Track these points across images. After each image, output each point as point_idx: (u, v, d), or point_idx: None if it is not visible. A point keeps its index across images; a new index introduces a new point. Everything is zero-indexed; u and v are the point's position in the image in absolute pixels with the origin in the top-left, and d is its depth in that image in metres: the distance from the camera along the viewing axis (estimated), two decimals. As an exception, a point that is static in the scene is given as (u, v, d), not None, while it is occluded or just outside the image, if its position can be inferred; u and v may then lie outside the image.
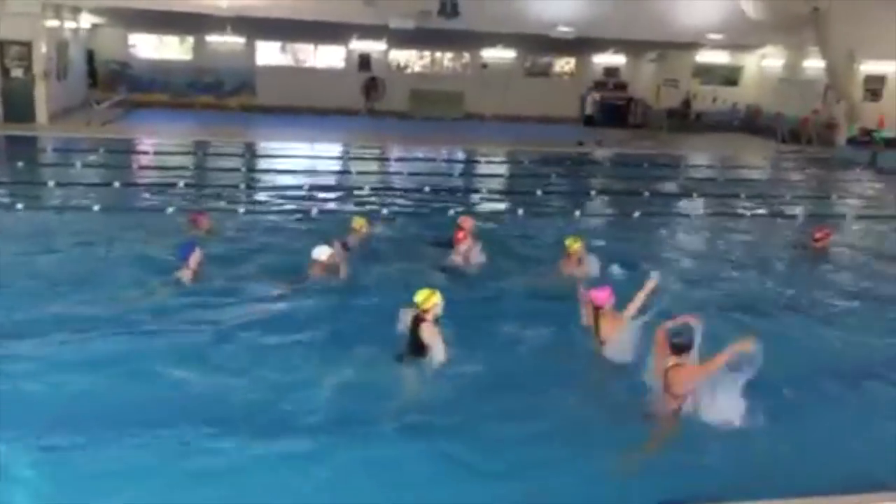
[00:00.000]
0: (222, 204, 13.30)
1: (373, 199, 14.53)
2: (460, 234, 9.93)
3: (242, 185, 15.21)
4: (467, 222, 10.48)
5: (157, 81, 27.76)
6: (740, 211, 15.27)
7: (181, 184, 14.60)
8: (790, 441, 5.94)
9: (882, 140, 23.80)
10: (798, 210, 15.84)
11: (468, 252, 9.82)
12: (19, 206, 12.08)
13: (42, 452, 5.31)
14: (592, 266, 9.55)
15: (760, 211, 15.46)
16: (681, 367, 5.93)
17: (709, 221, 14.38)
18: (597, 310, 7.17)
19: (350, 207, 13.62)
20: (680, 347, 5.97)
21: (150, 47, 29.05)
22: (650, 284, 7.27)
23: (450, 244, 10.00)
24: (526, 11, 23.41)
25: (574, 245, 9.45)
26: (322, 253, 8.82)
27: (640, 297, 7.19)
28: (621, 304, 7.20)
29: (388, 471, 5.43)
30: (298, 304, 8.31)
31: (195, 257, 8.54)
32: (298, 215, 12.84)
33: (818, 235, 12.20)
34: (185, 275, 8.50)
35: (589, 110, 28.56)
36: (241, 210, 12.93)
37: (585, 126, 27.55)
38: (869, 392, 7.09)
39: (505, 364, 7.02)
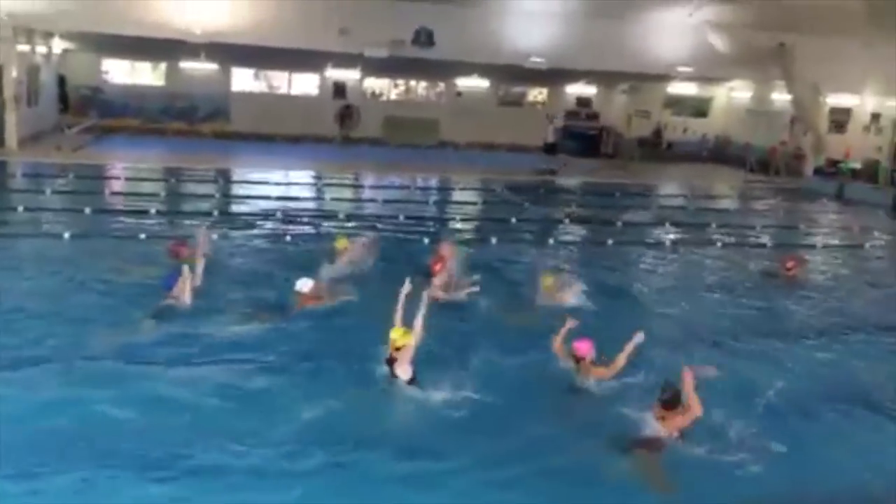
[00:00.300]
0: (196, 230, 13.18)
1: (347, 225, 14.51)
2: (437, 266, 9.88)
3: (216, 213, 15.07)
4: (446, 250, 10.39)
5: (130, 107, 27.53)
6: (711, 239, 15.45)
7: (153, 210, 14.45)
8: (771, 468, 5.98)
9: (849, 171, 24.32)
10: (767, 240, 16.10)
11: (448, 281, 9.76)
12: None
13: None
14: (569, 295, 9.71)
15: (731, 240, 15.66)
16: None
17: (681, 250, 14.52)
18: (578, 360, 7.32)
19: (325, 232, 13.66)
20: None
21: (123, 73, 28.85)
22: (635, 340, 7.33)
23: (428, 273, 9.91)
24: (500, 42, 23.70)
25: (547, 281, 9.80)
26: (305, 285, 8.86)
27: (626, 353, 7.30)
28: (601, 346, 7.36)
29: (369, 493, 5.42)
30: (286, 331, 8.31)
31: (183, 279, 8.59)
32: (272, 241, 12.78)
33: (789, 264, 12.41)
34: (176, 300, 8.56)
35: (550, 138, 28.42)
36: (214, 237, 12.79)
37: (546, 154, 27.56)
38: (843, 413, 7.16)
39: (487, 395, 6.97)
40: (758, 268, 13.32)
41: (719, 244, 15.14)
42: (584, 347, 7.33)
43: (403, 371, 6.86)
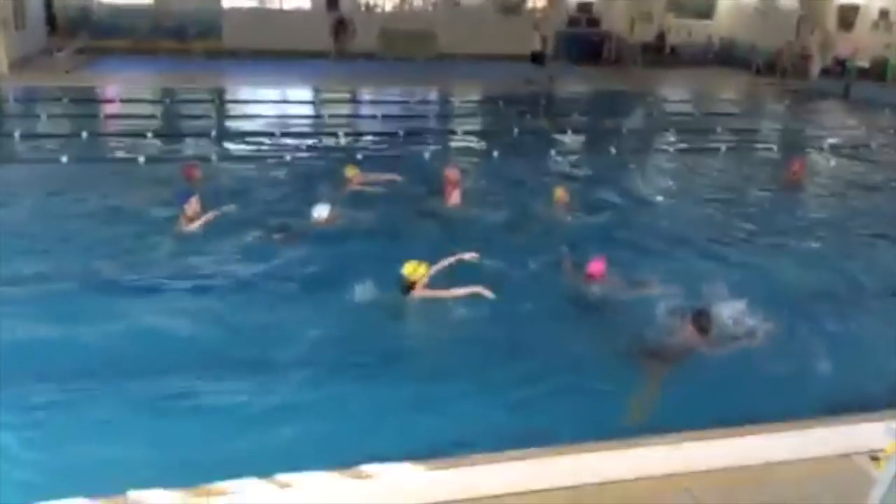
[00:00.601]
0: (192, 152, 13.12)
1: (345, 143, 14.36)
2: (449, 188, 9.97)
3: (213, 133, 14.88)
4: (453, 174, 10.39)
5: (119, 27, 26.83)
6: (717, 145, 15.27)
7: (149, 133, 14.26)
8: (776, 366, 6.05)
9: (855, 70, 23.80)
10: (774, 143, 15.92)
11: (459, 202, 9.88)
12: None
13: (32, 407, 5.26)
14: (577, 210, 9.80)
15: (737, 145, 15.48)
16: None
17: (687, 156, 14.35)
18: (590, 276, 7.30)
19: (324, 153, 13.54)
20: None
21: (112, -8, 28.06)
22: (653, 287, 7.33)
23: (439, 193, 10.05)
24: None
25: (559, 193, 9.76)
26: (322, 211, 8.77)
27: (647, 286, 7.37)
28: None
29: (382, 408, 5.49)
30: (301, 253, 8.27)
31: (192, 205, 8.54)
32: (273, 161, 12.66)
33: (794, 168, 12.28)
34: (185, 223, 8.51)
35: (537, 46, 26.58)
36: (214, 158, 12.69)
37: (534, 63, 25.95)
38: (848, 316, 7.19)
39: (502, 306, 6.97)
40: (764, 172, 13.20)
41: (724, 148, 14.97)
42: (598, 268, 7.28)
43: (423, 295, 6.85)
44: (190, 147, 13.66)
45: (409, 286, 6.82)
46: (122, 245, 8.36)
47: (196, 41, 27.28)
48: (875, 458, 4.03)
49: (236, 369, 5.88)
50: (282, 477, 4.17)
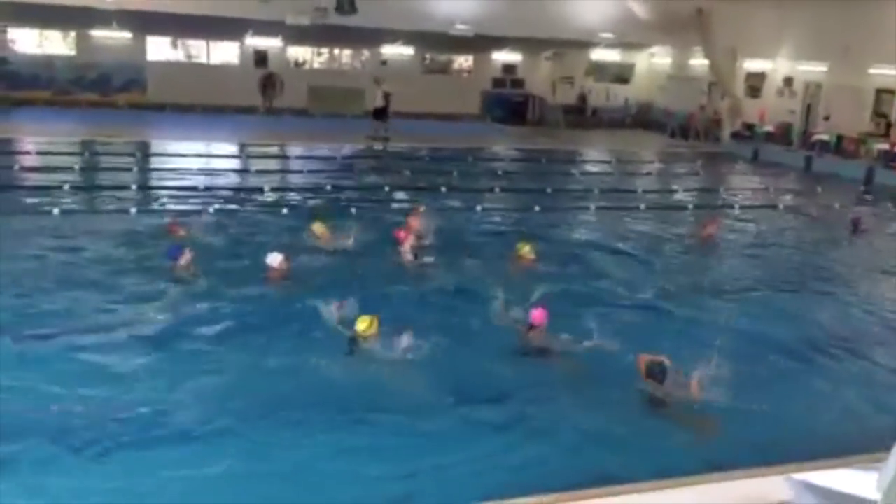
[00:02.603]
0: (111, 207, 12.86)
1: (273, 197, 14.29)
2: (401, 234, 10.13)
3: (134, 187, 14.58)
4: (414, 220, 10.68)
5: (40, 78, 26.26)
6: (635, 203, 15.81)
7: (66, 186, 13.90)
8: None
9: (763, 134, 25.16)
10: (688, 202, 16.59)
11: (414, 250, 9.99)
12: None
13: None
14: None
15: (654, 203, 16.06)
16: None
17: (607, 214, 14.79)
18: (531, 328, 7.52)
19: (250, 207, 13.44)
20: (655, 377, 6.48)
21: (31, 42, 27.46)
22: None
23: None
24: (424, 9, 23.51)
25: (524, 249, 10.17)
26: (274, 259, 8.96)
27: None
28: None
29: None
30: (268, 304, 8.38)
31: (186, 255, 9.05)
32: (196, 216, 12.48)
33: (707, 226, 12.82)
34: (181, 270, 8.99)
35: (379, 103, 24.30)
36: (134, 211, 12.45)
37: (375, 119, 23.81)
38: (761, 364, 7.44)
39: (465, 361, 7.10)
40: (678, 230, 13.70)
41: (642, 207, 15.51)
42: (539, 316, 7.51)
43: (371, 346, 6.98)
44: (111, 201, 13.36)
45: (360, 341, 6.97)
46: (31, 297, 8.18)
47: (120, 94, 26.90)
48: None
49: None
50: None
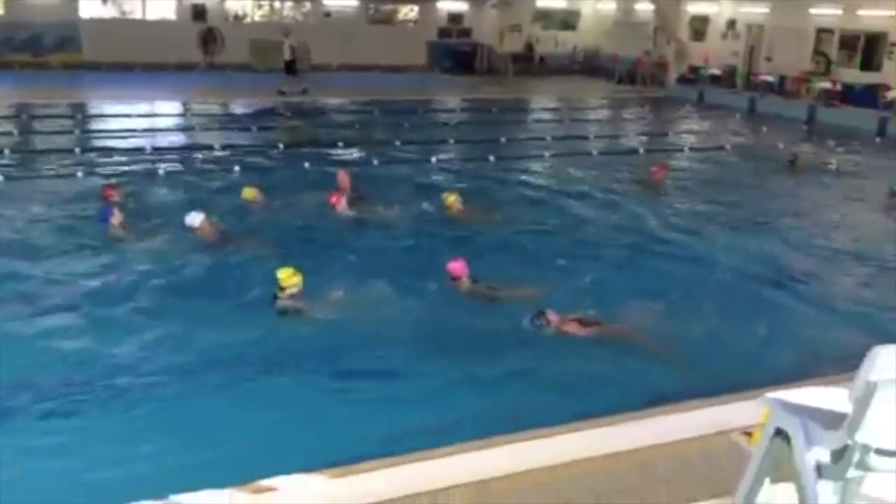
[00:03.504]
0: (55, 170, 12.51)
1: (217, 155, 14.05)
2: (332, 199, 10.14)
3: (77, 150, 14.15)
4: (343, 179, 10.88)
5: (-35, 39, 25.06)
6: (586, 149, 15.96)
7: (5, 151, 13.43)
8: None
9: (708, 77, 25.48)
10: (637, 146, 16.81)
11: (344, 206, 10.10)
12: None
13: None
14: (469, 213, 10.21)
15: (603, 149, 16.24)
16: None
17: (557, 161, 14.91)
18: (454, 279, 7.58)
19: (197, 166, 13.23)
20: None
21: (-47, 1, 26.13)
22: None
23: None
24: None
25: (450, 199, 10.20)
26: (195, 219, 8.94)
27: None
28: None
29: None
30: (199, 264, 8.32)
31: (116, 216, 9.16)
32: (142, 177, 12.24)
33: (655, 170, 13.04)
34: (115, 230, 9.07)
35: (287, 56, 23.69)
36: (80, 174, 12.13)
37: (287, 74, 23.48)
38: (716, 303, 7.66)
39: (384, 315, 7.10)
40: (628, 175, 13.90)
41: (594, 153, 15.67)
42: (457, 267, 7.56)
43: (288, 303, 6.98)
44: (50, 163, 12.98)
45: (279, 291, 6.98)
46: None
47: (53, 54, 25.85)
48: (748, 434, 4.36)
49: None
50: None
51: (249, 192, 10.49)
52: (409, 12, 31.93)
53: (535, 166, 14.58)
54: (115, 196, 10.32)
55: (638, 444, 4.69)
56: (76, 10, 26.38)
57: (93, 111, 19.03)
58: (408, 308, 7.23)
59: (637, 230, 10.42)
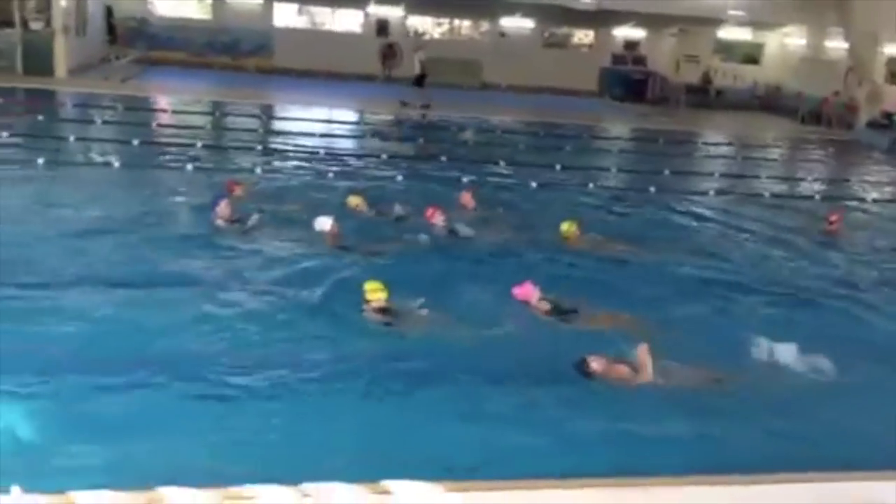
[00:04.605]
0: (240, 165, 13.52)
1: (384, 166, 14.62)
2: (428, 212, 10.14)
3: (259, 147, 15.26)
4: (466, 198, 11.14)
5: (176, 39, 27.69)
6: (758, 190, 15.23)
7: (199, 144, 14.68)
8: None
9: (902, 124, 23.60)
10: (814, 192, 15.84)
11: (447, 224, 10.07)
12: (40, 160, 12.17)
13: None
14: (588, 242, 10.04)
15: (778, 191, 15.44)
16: None
17: (726, 200, 14.33)
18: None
19: (366, 172, 13.82)
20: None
21: (169, 5, 28.94)
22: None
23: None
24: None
25: (567, 226, 9.97)
26: (325, 224, 9.18)
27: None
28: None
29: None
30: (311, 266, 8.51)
31: (222, 207, 9.38)
32: (315, 178, 12.98)
33: (832, 219, 12.23)
34: (219, 222, 9.30)
35: (417, 70, 23.68)
36: (258, 171, 13.05)
37: (416, 86, 23.37)
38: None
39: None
40: (802, 221, 13.12)
41: (766, 195, 14.94)
42: (522, 292, 7.47)
43: (373, 316, 7.08)
44: (236, 159, 14.03)
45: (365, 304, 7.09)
46: (162, 243, 8.81)
47: (248, 58, 28.01)
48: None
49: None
50: (305, 486, 4.30)
51: (354, 200, 10.73)
52: (584, 37, 31.86)
53: (697, 201, 14.09)
54: (238, 191, 10.59)
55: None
56: (271, 19, 28.44)
57: (276, 113, 20.41)
58: (493, 329, 7.16)
59: (793, 280, 9.74)
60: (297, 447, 5.15)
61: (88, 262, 8.03)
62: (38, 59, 20.67)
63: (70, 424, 5.17)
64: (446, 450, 5.21)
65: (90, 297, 7.13)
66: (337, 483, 4.34)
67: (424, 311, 7.18)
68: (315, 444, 5.20)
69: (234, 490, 4.22)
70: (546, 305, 7.47)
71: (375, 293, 7.10)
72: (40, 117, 15.93)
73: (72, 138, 14.23)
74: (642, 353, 6.22)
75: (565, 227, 10.00)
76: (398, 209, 10.41)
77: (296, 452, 5.04)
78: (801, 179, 17.19)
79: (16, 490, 4.01)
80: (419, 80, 23.44)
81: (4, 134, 13.90)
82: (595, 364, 6.14)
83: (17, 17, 20.52)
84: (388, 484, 4.35)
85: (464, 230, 10.08)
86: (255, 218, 9.52)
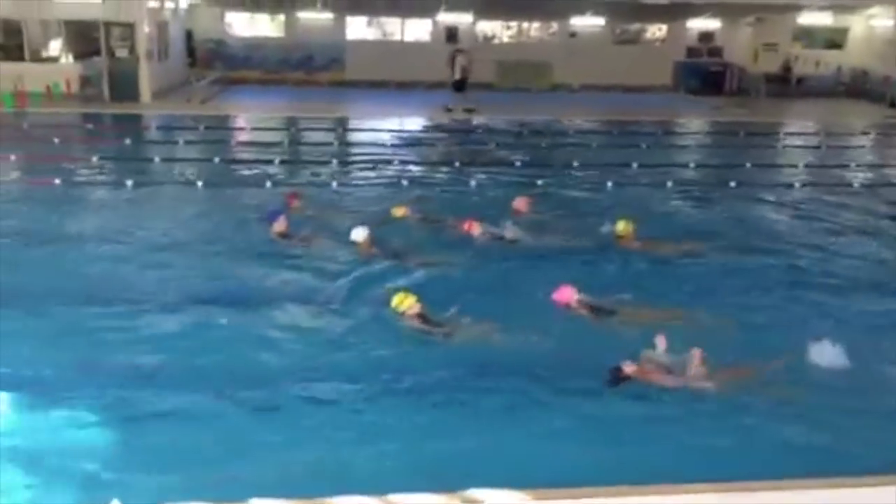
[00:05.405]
0: (315, 179, 13.81)
1: (456, 173, 14.65)
2: (464, 225, 10.07)
3: (335, 161, 15.52)
4: (522, 203, 11.05)
5: (252, 59, 28.47)
6: (846, 181, 14.59)
7: (276, 160, 15.05)
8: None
9: None
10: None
11: (479, 231, 9.98)
12: (129, 182, 12.71)
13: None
14: (639, 244, 9.76)
15: (868, 180, 14.76)
16: None
17: (810, 192, 13.78)
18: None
19: (434, 179, 13.93)
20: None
21: (244, 25, 29.81)
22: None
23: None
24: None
25: (620, 226, 9.77)
26: (359, 234, 9.22)
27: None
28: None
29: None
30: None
31: (280, 223, 9.66)
32: (390, 188, 13.14)
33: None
34: (275, 235, 9.63)
35: (458, 75, 23.85)
36: (334, 185, 13.30)
37: (456, 92, 23.56)
38: None
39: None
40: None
41: (855, 185, 14.29)
42: (560, 296, 7.42)
43: (411, 323, 7.12)
44: (313, 173, 14.31)
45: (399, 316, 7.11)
46: (235, 257, 9.19)
47: (322, 72, 28.57)
48: None
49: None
50: (391, 497, 4.33)
51: (399, 210, 10.75)
52: (656, 31, 31.20)
53: (779, 194, 13.60)
54: (295, 204, 10.85)
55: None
56: (344, 32, 28.93)
57: (349, 126, 20.73)
58: (534, 333, 7.08)
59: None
60: (379, 459, 5.24)
61: (165, 279, 8.44)
62: (124, 85, 21.59)
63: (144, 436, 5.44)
64: (525, 459, 5.21)
65: (159, 313, 7.49)
66: (421, 494, 4.35)
67: (466, 319, 7.17)
68: (394, 455, 5.29)
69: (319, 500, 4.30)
70: (584, 307, 7.44)
71: (402, 303, 7.13)
72: (127, 141, 16.62)
73: (157, 159, 14.79)
74: (696, 357, 6.17)
75: (621, 226, 9.78)
76: (509, 232, 10.07)
77: (380, 465, 5.13)
78: (893, 167, 16.37)
79: (115, 503, 4.18)
80: (459, 85, 23.59)
81: (95, 158, 14.63)
82: (628, 368, 6.15)
83: (103, 46, 21.49)
84: (474, 493, 4.34)
85: (511, 233, 9.99)
86: (307, 232, 9.76)
